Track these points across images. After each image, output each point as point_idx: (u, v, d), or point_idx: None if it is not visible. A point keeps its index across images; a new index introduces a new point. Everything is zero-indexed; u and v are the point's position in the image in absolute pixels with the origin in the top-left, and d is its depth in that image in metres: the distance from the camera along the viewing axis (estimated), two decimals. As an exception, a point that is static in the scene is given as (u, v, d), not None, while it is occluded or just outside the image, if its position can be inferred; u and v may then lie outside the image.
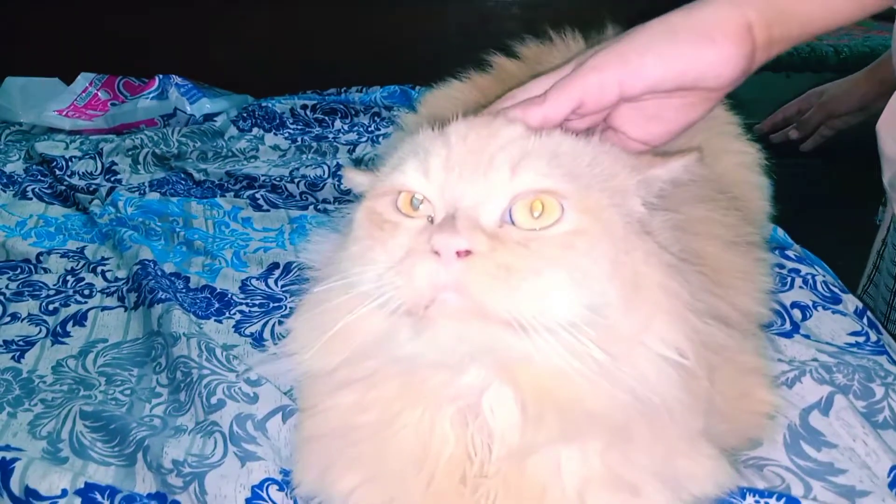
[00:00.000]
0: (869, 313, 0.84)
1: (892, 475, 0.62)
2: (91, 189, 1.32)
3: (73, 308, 0.97)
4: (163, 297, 0.94)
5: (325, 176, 1.31)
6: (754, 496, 0.60)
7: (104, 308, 0.97)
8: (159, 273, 1.01)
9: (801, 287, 0.87)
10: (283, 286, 1.01)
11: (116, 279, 1.04)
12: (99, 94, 1.66)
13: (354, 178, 0.63)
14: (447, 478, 0.55)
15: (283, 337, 0.71)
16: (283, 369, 0.61)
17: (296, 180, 1.28)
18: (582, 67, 0.59)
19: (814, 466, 0.64)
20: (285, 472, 0.66)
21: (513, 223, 0.50)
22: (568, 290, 0.48)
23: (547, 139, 0.55)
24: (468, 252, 0.47)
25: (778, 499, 0.60)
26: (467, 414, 0.54)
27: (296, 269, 1.03)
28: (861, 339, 0.80)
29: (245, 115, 1.55)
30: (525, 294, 0.47)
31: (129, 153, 1.43)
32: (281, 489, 0.64)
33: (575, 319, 0.48)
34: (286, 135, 1.52)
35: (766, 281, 0.71)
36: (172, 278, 1.02)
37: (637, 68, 0.57)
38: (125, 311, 0.97)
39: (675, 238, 0.57)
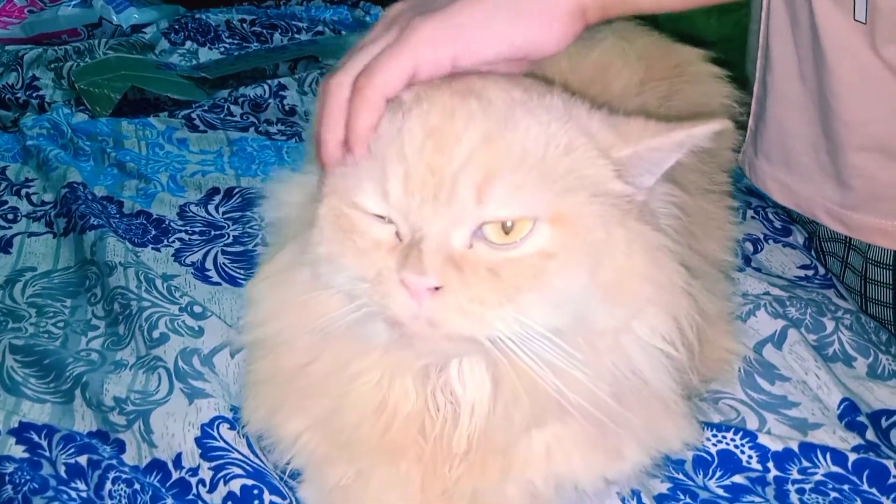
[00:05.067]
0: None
1: (841, 407, 0.63)
2: (10, 103, 1.22)
3: (-3, 234, 0.91)
4: (95, 222, 0.88)
5: (267, 96, 1.25)
6: (711, 430, 0.61)
7: (31, 234, 0.91)
8: (90, 197, 0.95)
9: (752, 218, 0.87)
10: (224, 213, 0.96)
11: (43, 203, 0.97)
12: (14, -1, 1.53)
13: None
14: (405, 431, 0.53)
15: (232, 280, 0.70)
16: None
17: (239, 100, 1.21)
18: (412, 36, 0.52)
19: (768, 400, 0.65)
20: (235, 410, 0.64)
21: (483, 235, 0.47)
22: (543, 311, 0.47)
23: (512, 134, 0.48)
24: (438, 287, 0.46)
25: (735, 433, 0.60)
26: (431, 371, 0.52)
27: (237, 196, 0.99)
28: (810, 273, 0.81)
29: (177, 27, 1.45)
30: (499, 321, 0.46)
31: (52, 67, 1.33)
32: (232, 428, 0.62)
33: (552, 332, 0.47)
34: (222, 49, 1.43)
35: (735, 229, 0.71)
36: (104, 203, 0.96)
37: (476, 46, 0.53)
38: (54, 237, 0.91)
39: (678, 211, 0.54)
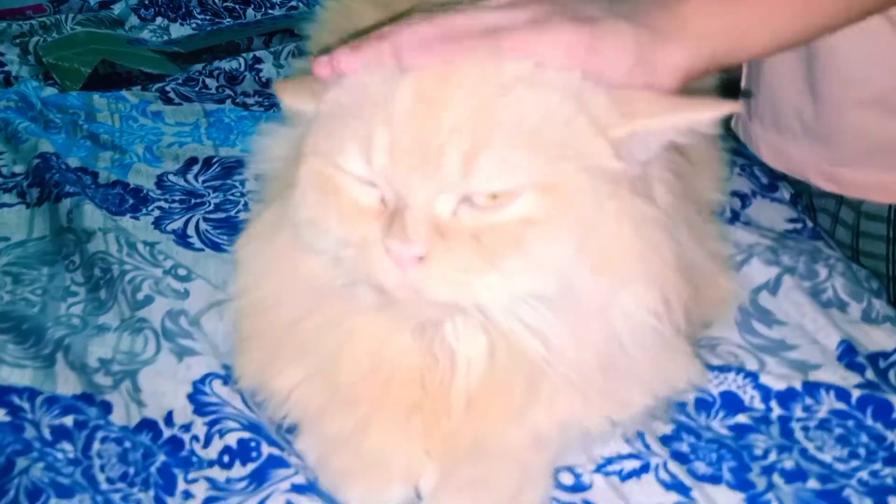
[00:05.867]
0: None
1: (840, 349, 0.63)
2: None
3: (-34, 205, 0.87)
4: (70, 190, 0.85)
5: (242, 69, 1.22)
6: (713, 372, 0.60)
7: (2, 205, 0.88)
8: (63, 167, 0.92)
9: (739, 175, 0.87)
10: (204, 182, 0.94)
11: (14, 174, 0.94)
12: (-26, -27, 1.48)
13: (294, 104, 0.54)
14: (405, 383, 0.53)
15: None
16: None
17: (214, 73, 1.19)
18: (550, 32, 0.49)
19: (766, 343, 0.64)
20: (227, 368, 0.62)
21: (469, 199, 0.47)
22: (527, 278, 0.47)
23: (506, 105, 0.46)
24: (423, 256, 0.46)
25: (737, 373, 0.60)
26: (428, 326, 0.52)
27: (217, 164, 0.96)
28: (799, 226, 0.81)
29: (147, 2, 1.42)
30: (484, 288, 0.47)
31: (17, 42, 1.29)
32: (226, 383, 0.60)
33: (536, 299, 0.48)
34: (194, 25, 1.41)
35: (724, 170, 0.72)
36: (79, 173, 0.93)
37: (600, 75, 0.49)
38: (27, 207, 0.88)
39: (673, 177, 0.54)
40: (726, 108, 0.50)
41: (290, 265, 0.54)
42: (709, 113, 0.49)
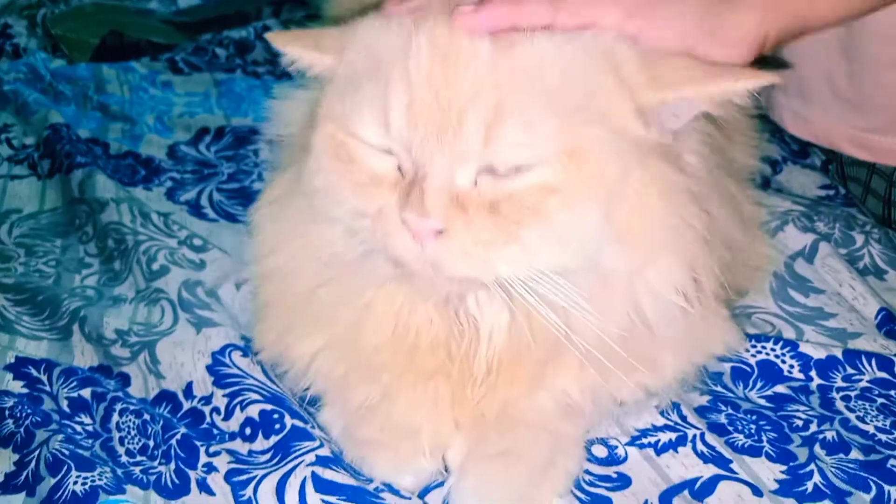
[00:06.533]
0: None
1: (879, 317, 0.61)
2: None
3: (-23, 176, 0.85)
4: (82, 161, 0.83)
5: (252, 38, 1.20)
6: (750, 341, 0.58)
7: (14, 177, 0.86)
8: (74, 137, 0.90)
9: (769, 141, 0.84)
10: (216, 152, 0.92)
11: (24, 146, 0.92)
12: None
13: (302, 57, 0.50)
14: (431, 352, 0.51)
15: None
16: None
17: (224, 42, 1.16)
18: None
19: (803, 312, 0.62)
20: (247, 340, 0.60)
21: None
22: (549, 250, 0.44)
23: (529, 64, 0.43)
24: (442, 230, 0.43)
25: (775, 342, 0.58)
26: (451, 297, 0.50)
27: (229, 134, 0.94)
28: (831, 193, 0.79)
29: (154, -28, 1.39)
30: (504, 263, 0.44)
31: (25, 14, 1.26)
32: (245, 355, 0.58)
33: (559, 272, 0.45)
34: (202, -5, 1.38)
35: (758, 137, 0.70)
36: (90, 144, 0.91)
37: (658, 41, 0.47)
38: (38, 179, 0.86)
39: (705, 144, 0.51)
40: (764, 78, 0.46)
41: (305, 233, 0.52)
42: (746, 83, 0.45)
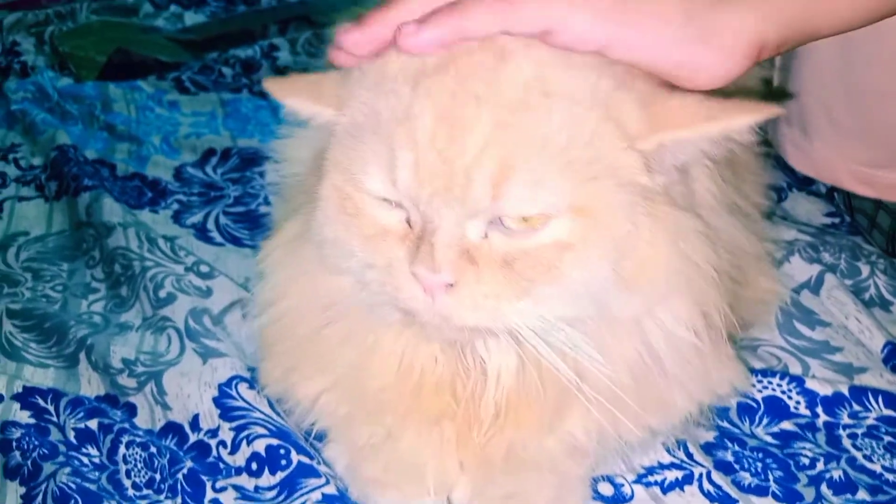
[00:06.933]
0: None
1: (885, 351, 0.61)
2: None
3: (-16, 199, 0.86)
4: (89, 183, 0.84)
5: (258, 57, 1.20)
6: (756, 376, 0.58)
7: (21, 198, 0.87)
8: (81, 159, 0.90)
9: (774, 167, 0.85)
10: (223, 174, 0.92)
11: (32, 167, 0.92)
12: (-12, -38, 1.46)
13: (303, 110, 0.49)
14: (436, 393, 0.51)
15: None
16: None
17: (230, 62, 1.17)
18: None
19: (809, 345, 0.62)
20: (253, 371, 0.60)
21: (500, 222, 0.43)
22: (561, 303, 0.44)
23: (530, 121, 0.42)
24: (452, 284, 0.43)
25: (781, 378, 0.58)
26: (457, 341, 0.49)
27: (235, 156, 0.94)
28: (837, 220, 0.79)
29: (161, -11, 1.39)
30: (515, 314, 0.44)
31: (33, 31, 1.27)
32: (251, 387, 0.58)
33: (569, 322, 0.45)
34: (208, 13, 1.38)
35: (766, 174, 0.69)
36: (96, 165, 0.91)
37: (635, 50, 0.43)
38: (46, 201, 0.86)
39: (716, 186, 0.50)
40: (764, 112, 0.43)
41: (313, 280, 0.51)
42: (744, 118, 0.43)
